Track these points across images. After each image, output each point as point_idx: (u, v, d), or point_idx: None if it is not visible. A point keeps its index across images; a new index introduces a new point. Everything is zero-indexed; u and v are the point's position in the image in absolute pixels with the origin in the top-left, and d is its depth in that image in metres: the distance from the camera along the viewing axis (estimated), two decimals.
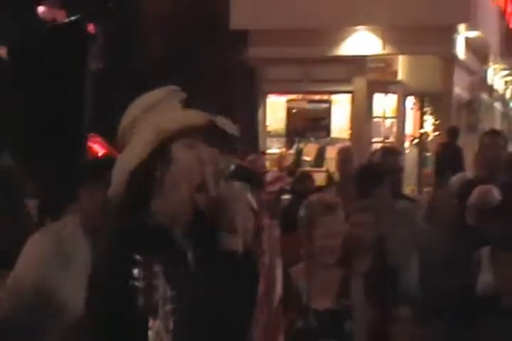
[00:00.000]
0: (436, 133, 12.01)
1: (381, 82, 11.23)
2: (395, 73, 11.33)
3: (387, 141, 11.85)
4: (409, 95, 11.71)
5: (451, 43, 10.79)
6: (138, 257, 1.86)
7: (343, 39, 10.83)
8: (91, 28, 6.47)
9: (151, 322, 1.83)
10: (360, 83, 11.20)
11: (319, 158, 12.06)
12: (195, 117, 1.89)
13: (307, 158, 12.07)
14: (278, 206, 2.30)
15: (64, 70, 6.30)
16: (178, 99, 1.94)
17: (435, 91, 11.38)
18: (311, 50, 10.68)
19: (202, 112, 1.91)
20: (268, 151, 11.79)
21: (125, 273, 1.86)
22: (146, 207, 1.89)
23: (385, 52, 10.67)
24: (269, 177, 2.24)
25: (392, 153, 5.57)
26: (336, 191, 5.19)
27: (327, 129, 12.17)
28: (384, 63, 11.20)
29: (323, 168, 11.14)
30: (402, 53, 10.90)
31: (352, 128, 11.81)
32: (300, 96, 12.11)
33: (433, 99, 11.91)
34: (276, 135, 12.49)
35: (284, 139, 12.47)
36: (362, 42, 10.64)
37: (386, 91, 11.45)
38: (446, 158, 10.53)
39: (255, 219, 2.19)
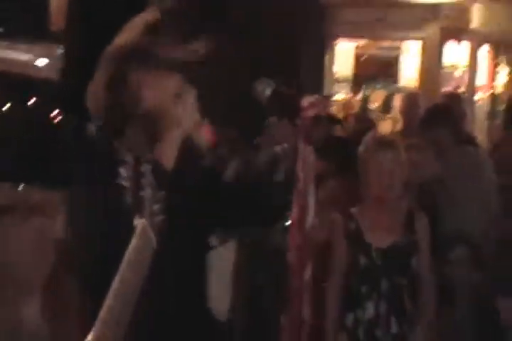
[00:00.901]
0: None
1: (454, 30, 10.92)
2: (469, 20, 10.99)
3: (457, 90, 11.60)
4: (483, 44, 11.36)
5: None
6: (126, 157, 1.91)
7: None
8: None
9: (137, 220, 1.88)
10: (432, 30, 10.91)
11: (386, 106, 11.90)
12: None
13: (374, 105, 11.95)
14: (314, 131, 2.29)
15: None
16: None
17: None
18: None
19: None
20: (334, 97, 11.71)
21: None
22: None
23: None
24: (305, 102, 2.23)
25: (456, 97, 5.49)
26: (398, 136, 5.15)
27: (395, 77, 11.98)
28: (458, 10, 10.86)
29: (390, 115, 11.03)
30: (478, 1, 10.54)
31: (421, 76, 11.57)
32: (370, 42, 11.90)
33: (509, 48, 11.53)
34: (343, 80, 12.36)
35: (350, 85, 12.35)
36: None
37: (459, 39, 11.14)
38: None
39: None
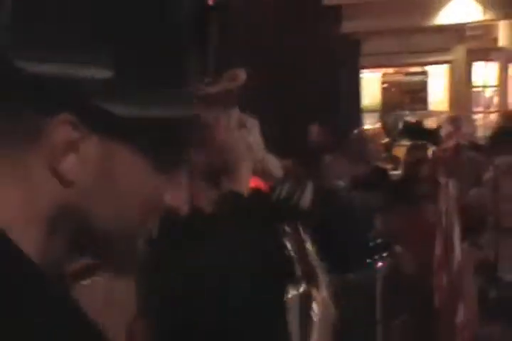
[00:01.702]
0: None
1: (481, 50, 10.85)
2: (496, 40, 10.92)
3: (488, 111, 11.50)
4: (510, 62, 11.27)
5: None
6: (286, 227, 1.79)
7: (440, 7, 10.47)
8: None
9: (313, 290, 1.74)
10: (459, 52, 10.85)
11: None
12: None
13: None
14: (456, 163, 2.16)
15: None
16: None
17: None
18: (407, 20, 10.37)
19: None
20: (364, 127, 11.62)
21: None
22: None
23: (486, 18, 10.27)
24: (443, 132, 2.10)
25: None
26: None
27: (424, 102, 11.89)
28: (484, 30, 10.80)
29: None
30: (505, 18, 10.48)
31: (451, 99, 11.48)
32: (395, 69, 11.86)
33: None
34: (370, 110, 12.29)
35: (378, 114, 12.27)
36: (461, 9, 10.27)
37: (487, 59, 11.06)
38: None
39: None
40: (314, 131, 7.83)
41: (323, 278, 1.74)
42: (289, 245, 1.77)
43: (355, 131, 6.49)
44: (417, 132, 2.24)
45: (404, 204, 4.75)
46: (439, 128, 2.53)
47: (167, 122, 0.75)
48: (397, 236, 4.20)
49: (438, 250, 2.00)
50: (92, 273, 1.43)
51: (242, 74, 1.76)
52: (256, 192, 1.79)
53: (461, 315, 2.05)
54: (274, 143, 2.01)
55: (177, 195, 0.72)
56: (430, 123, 11.05)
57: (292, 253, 1.75)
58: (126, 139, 0.74)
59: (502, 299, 2.72)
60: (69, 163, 0.73)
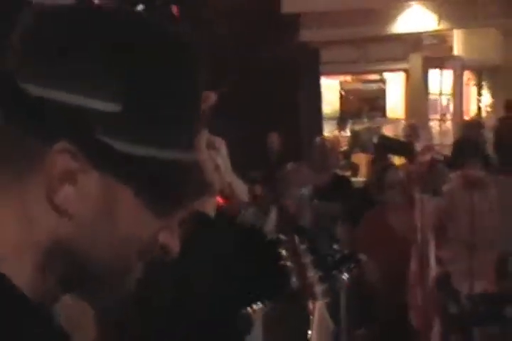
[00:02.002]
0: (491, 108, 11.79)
1: (437, 58, 11.04)
2: (451, 48, 11.12)
3: (444, 118, 11.68)
4: (465, 70, 11.49)
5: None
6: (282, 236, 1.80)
7: (396, 16, 10.63)
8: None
9: (310, 302, 1.75)
10: (415, 60, 11.03)
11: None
12: None
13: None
14: (430, 177, 2.20)
15: None
16: None
17: (493, 65, 11.14)
18: (365, 29, 10.51)
19: None
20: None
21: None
22: None
23: (441, 27, 10.46)
24: (419, 147, 2.14)
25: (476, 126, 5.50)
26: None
27: (382, 109, 12.02)
28: (439, 39, 10.99)
29: None
30: (460, 28, 10.68)
31: (408, 106, 11.64)
32: (353, 77, 11.97)
33: (491, 73, 11.68)
34: (329, 118, 12.37)
35: (336, 122, 12.35)
36: (417, 18, 10.43)
37: (442, 67, 11.25)
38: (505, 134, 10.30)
39: None
40: (274, 139, 7.87)
41: (319, 289, 1.75)
42: (284, 254, 1.77)
43: (317, 139, 6.54)
44: (392, 146, 2.28)
45: (367, 211, 4.80)
46: (413, 142, 2.59)
47: (167, 164, 0.74)
48: (361, 244, 4.24)
49: (413, 266, 2.03)
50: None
51: (212, 96, 1.78)
52: (222, 214, 1.81)
53: (436, 331, 2.10)
54: (236, 154, 2.01)
55: (170, 236, 0.73)
56: (387, 130, 11.20)
57: (288, 263, 1.76)
58: (127, 178, 0.73)
59: (462, 314, 2.77)
60: (65, 194, 0.71)
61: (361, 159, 9.77)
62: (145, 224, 0.75)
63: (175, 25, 0.78)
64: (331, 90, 12.02)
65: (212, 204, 1.77)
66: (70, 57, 0.72)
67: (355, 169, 9.48)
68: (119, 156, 0.72)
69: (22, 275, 0.71)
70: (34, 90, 0.70)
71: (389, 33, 10.75)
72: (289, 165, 6.01)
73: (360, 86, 11.98)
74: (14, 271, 0.71)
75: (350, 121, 12.18)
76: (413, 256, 2.00)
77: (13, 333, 0.68)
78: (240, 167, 2.18)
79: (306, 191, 5.64)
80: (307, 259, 1.76)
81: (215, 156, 1.78)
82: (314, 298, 1.71)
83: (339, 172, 6.90)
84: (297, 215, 5.00)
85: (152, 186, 0.74)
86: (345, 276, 3.15)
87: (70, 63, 0.72)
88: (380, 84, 11.89)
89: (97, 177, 0.72)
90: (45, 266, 0.73)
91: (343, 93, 12.03)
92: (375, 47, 10.95)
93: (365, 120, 12.13)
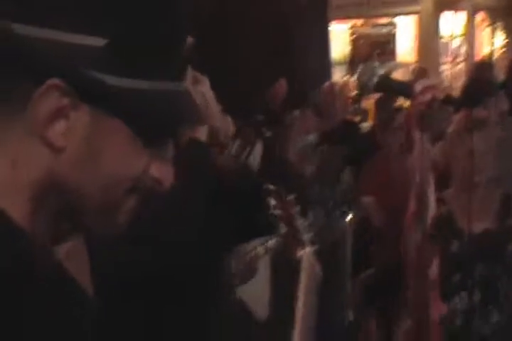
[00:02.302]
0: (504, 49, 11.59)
1: (449, 0, 10.81)
2: None
3: (456, 61, 11.52)
4: (479, 11, 11.26)
5: None
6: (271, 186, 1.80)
7: None
8: None
9: (299, 250, 1.76)
10: (427, 2, 10.80)
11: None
12: None
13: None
14: (430, 118, 2.16)
15: None
16: None
17: (508, 4, 10.90)
18: None
19: None
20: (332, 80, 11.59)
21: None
22: None
23: None
24: (418, 87, 2.11)
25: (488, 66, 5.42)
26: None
27: (393, 53, 11.86)
28: None
29: None
30: None
31: (419, 50, 11.46)
32: (363, 21, 11.78)
33: (507, 12, 11.43)
34: (339, 63, 12.24)
35: (346, 67, 12.23)
36: None
37: (455, 9, 11.02)
38: None
39: None
40: (282, 84, 7.78)
41: (308, 236, 1.75)
42: (272, 203, 1.77)
43: (325, 85, 6.47)
44: (392, 86, 2.26)
45: (374, 155, 4.77)
46: (414, 81, 2.52)
47: (156, 96, 0.75)
48: (368, 188, 4.23)
49: (412, 207, 2.00)
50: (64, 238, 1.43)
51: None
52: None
53: (434, 269, 2.08)
54: (234, 101, 1.99)
55: (162, 168, 0.72)
56: (398, 74, 11.06)
57: (276, 212, 1.75)
58: (115, 111, 0.74)
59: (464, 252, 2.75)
60: (57, 128, 0.72)
61: (372, 104, 9.68)
62: (135, 157, 0.77)
63: None
64: (340, 35, 11.86)
65: (203, 133, 1.76)
66: None
67: (364, 114, 9.41)
68: (108, 90, 0.72)
69: (17, 211, 0.73)
70: (21, 29, 0.70)
71: None
72: (295, 112, 5.96)
73: (370, 30, 11.79)
74: (9, 206, 0.72)
75: (368, 67, 12.05)
76: (411, 196, 1.97)
77: (9, 267, 0.69)
78: (246, 111, 2.14)
79: (312, 138, 5.59)
80: (294, 210, 1.76)
81: (202, 90, 1.76)
82: (301, 245, 1.70)
83: (348, 117, 6.85)
84: (300, 164, 4.96)
85: (142, 117, 0.75)
86: (347, 220, 3.15)
87: None
88: (391, 28, 11.69)
89: (87, 111, 0.73)
90: (39, 201, 0.75)
91: (352, 38, 11.86)
92: None
93: (377, 64, 12.00)
